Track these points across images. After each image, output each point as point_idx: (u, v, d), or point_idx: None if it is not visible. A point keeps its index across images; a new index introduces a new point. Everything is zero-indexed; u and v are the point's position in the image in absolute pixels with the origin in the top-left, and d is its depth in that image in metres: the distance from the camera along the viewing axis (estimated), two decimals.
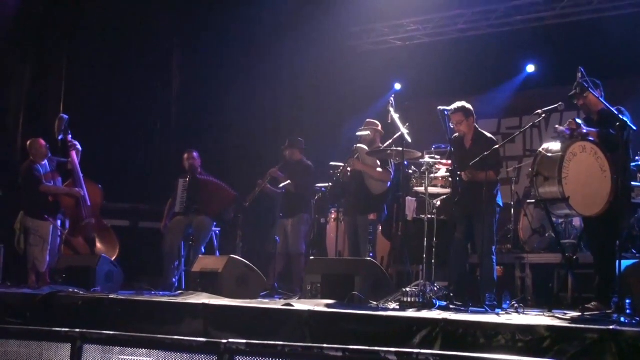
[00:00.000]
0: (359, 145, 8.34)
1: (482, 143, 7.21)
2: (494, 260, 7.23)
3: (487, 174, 6.91)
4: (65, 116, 9.48)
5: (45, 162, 9.34)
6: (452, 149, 7.26)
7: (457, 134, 7.47)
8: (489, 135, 7.50)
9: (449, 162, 7.20)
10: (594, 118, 6.52)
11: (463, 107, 7.34)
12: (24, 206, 9.26)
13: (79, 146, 9.50)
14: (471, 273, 7.91)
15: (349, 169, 8.33)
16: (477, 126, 7.44)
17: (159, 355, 4.62)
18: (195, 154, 9.73)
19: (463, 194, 7.10)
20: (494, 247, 7.23)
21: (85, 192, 9.43)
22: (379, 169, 8.23)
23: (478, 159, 6.82)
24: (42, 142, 9.35)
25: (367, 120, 8.57)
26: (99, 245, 9.51)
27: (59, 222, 9.32)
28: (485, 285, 7.06)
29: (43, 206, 9.17)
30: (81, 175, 9.46)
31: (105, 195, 9.86)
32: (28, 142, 9.40)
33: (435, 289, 6.77)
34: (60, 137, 9.44)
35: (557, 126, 6.45)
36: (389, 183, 8.30)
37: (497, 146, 7.09)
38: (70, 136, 9.44)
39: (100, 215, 9.74)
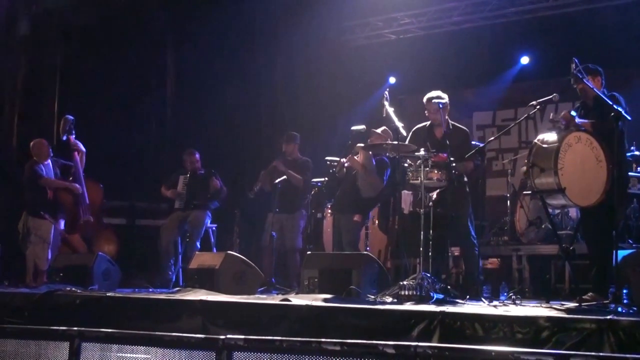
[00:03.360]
0: (359, 145, 8.32)
1: (454, 133, 7.28)
2: (477, 251, 7.30)
3: (467, 164, 7.08)
4: (71, 117, 9.45)
5: (49, 162, 9.34)
6: (415, 137, 7.33)
7: (420, 125, 7.50)
8: (461, 126, 7.54)
9: (444, 155, 7.18)
10: (590, 104, 6.53)
11: (439, 97, 7.34)
12: (26, 205, 9.26)
13: (82, 146, 9.45)
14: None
15: (346, 164, 8.32)
16: (448, 118, 7.44)
17: (157, 352, 4.61)
18: (197, 156, 9.78)
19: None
20: (475, 240, 7.31)
21: (84, 190, 9.43)
22: (374, 175, 8.24)
23: (474, 150, 6.88)
24: (45, 142, 9.37)
25: (385, 128, 8.27)
26: (96, 243, 9.51)
27: (61, 222, 9.33)
28: (473, 277, 7.16)
29: (44, 204, 9.16)
30: (82, 173, 9.46)
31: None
32: (31, 144, 9.38)
33: (433, 281, 6.77)
34: (64, 138, 9.43)
35: (551, 116, 6.46)
36: (379, 190, 8.33)
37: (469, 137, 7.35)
38: (73, 136, 9.43)
39: (100, 214, 9.75)
